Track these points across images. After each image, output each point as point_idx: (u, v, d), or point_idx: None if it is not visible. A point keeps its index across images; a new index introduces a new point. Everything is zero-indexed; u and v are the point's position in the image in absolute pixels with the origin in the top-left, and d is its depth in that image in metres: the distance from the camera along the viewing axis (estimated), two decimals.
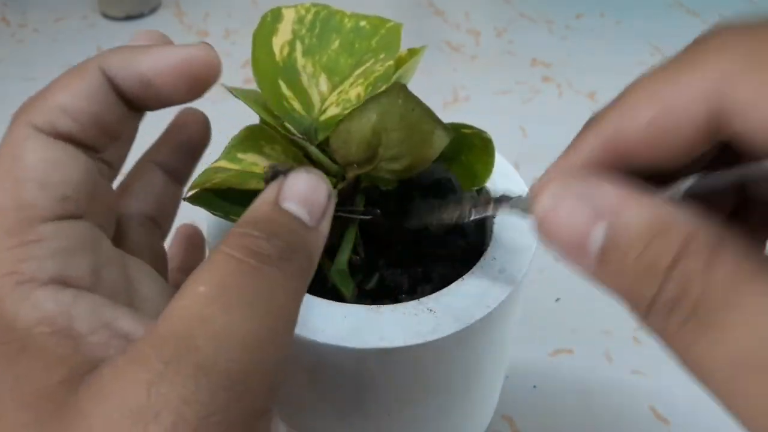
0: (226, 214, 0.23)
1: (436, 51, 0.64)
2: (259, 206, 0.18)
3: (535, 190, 0.16)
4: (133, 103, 0.20)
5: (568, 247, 0.15)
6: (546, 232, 0.16)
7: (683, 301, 0.14)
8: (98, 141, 0.20)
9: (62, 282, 0.17)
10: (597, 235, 0.15)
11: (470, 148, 0.26)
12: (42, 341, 0.16)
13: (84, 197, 0.19)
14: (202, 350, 0.15)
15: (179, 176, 0.27)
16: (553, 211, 0.16)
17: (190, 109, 0.26)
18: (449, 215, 0.23)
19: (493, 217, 0.22)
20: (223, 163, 0.24)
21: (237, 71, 0.61)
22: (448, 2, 0.72)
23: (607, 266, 0.15)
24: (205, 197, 0.23)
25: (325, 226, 0.19)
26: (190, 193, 0.23)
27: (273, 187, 0.18)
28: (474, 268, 0.25)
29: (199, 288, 0.16)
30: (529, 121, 0.56)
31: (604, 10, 0.70)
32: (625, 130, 0.15)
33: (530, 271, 0.26)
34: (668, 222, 0.14)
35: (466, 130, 0.25)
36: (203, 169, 0.24)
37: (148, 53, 0.19)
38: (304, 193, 0.18)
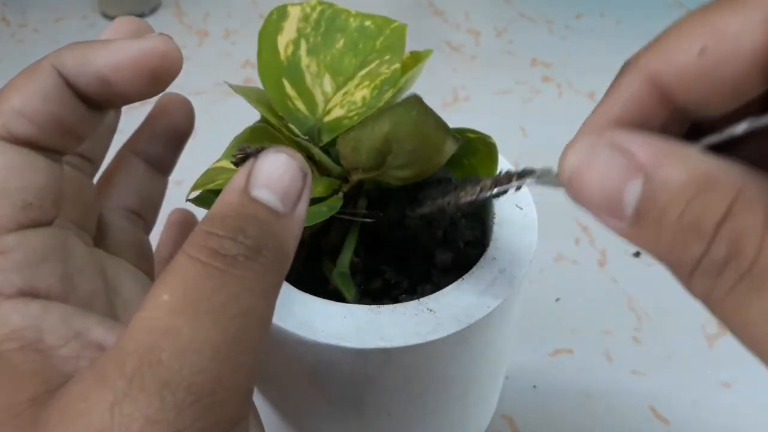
0: None
1: (436, 51, 0.64)
2: (226, 197, 0.16)
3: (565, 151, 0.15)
4: (93, 101, 0.19)
5: (599, 207, 0.14)
6: (575, 191, 0.14)
7: (736, 261, 0.12)
8: (60, 142, 0.18)
9: (30, 294, 0.17)
10: (632, 192, 0.13)
11: (474, 153, 0.26)
12: (10, 357, 0.16)
13: (50, 202, 0.18)
14: (167, 364, 0.14)
15: (162, 166, 0.26)
16: (582, 167, 0.14)
17: (172, 93, 0.25)
18: (468, 193, 0.22)
19: (518, 189, 0.21)
20: (225, 164, 0.24)
21: (237, 71, 0.61)
22: (448, 2, 0.72)
23: (643, 226, 0.14)
24: (209, 198, 0.23)
25: (302, 209, 0.17)
26: (193, 195, 0.23)
27: (242, 172, 0.17)
28: (474, 268, 0.25)
29: (162, 296, 0.15)
30: (529, 121, 0.56)
31: (604, 10, 0.70)
32: (672, 63, 0.14)
33: (530, 271, 0.26)
34: (714, 176, 0.13)
35: (470, 135, 0.25)
36: (204, 170, 0.24)
37: (103, 48, 0.18)
38: (276, 177, 0.16)
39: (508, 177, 0.20)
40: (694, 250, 0.13)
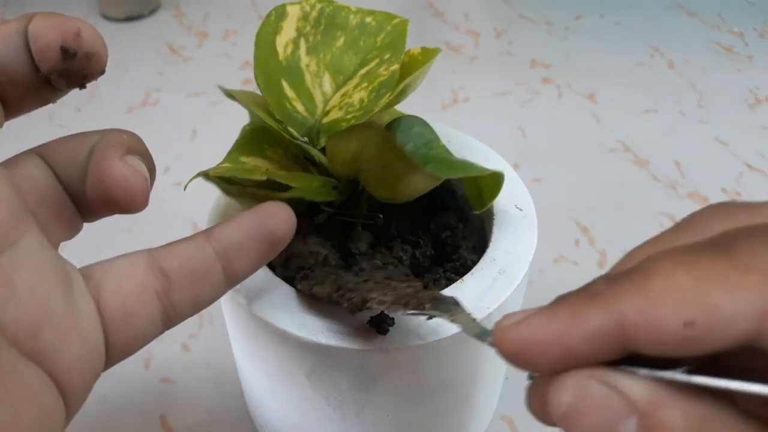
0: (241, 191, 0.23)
1: None
2: None
3: (501, 328, 0.16)
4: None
5: None
6: (568, 426, 0.15)
7: None
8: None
9: None
10: (627, 430, 0.14)
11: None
12: None
13: None
14: None
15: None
16: (579, 405, 0.15)
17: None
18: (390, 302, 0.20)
19: (429, 318, 0.21)
20: (227, 166, 0.24)
21: (236, 72, 0.61)
22: (447, 3, 0.72)
23: None
24: (215, 180, 0.23)
25: None
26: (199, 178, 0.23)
27: None
28: (474, 269, 0.25)
29: None
30: (528, 122, 0.56)
31: (604, 11, 0.70)
32: (652, 326, 0.14)
33: (530, 272, 0.26)
34: (713, 424, 0.13)
35: (475, 175, 0.24)
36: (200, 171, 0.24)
37: None
38: None
39: (424, 300, 0.19)
40: None
